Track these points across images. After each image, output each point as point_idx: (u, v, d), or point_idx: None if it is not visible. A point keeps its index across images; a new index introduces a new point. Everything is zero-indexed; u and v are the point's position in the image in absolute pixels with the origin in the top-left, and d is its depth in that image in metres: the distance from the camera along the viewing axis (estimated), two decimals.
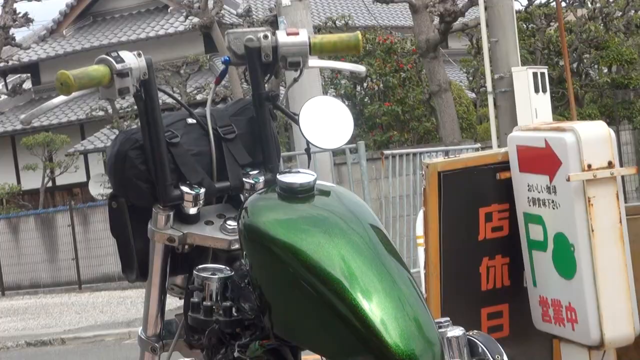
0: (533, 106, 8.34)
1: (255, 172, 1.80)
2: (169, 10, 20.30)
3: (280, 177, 1.60)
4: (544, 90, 8.62)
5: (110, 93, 1.66)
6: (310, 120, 1.74)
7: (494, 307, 2.98)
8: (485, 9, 9.61)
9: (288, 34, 1.83)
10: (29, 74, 22.60)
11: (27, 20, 17.50)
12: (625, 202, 3.52)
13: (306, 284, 1.48)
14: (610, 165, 2.67)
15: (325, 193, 1.64)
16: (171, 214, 1.77)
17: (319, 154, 7.66)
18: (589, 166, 2.63)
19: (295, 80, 1.93)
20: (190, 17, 17.01)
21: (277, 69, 1.84)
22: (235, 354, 1.66)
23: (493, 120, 9.69)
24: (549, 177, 2.72)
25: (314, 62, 1.98)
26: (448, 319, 1.51)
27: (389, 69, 15.80)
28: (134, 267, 1.89)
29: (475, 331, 1.61)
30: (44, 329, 11.48)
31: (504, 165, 2.91)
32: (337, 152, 9.38)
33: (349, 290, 1.42)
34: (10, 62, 19.79)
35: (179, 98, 2.22)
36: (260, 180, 1.77)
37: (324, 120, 1.77)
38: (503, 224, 2.98)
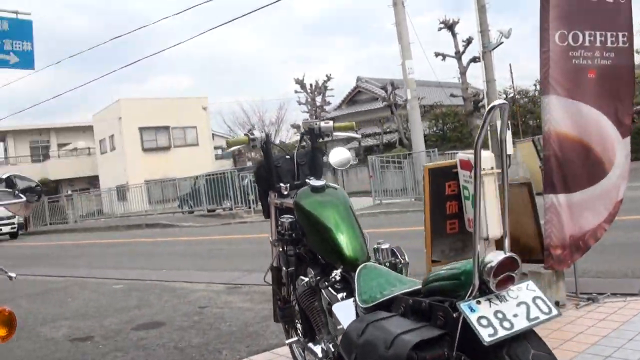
0: None
1: (311, 178, 2.62)
2: None
3: (310, 182, 2.50)
4: None
5: (250, 147, 2.82)
6: (333, 156, 2.71)
7: (452, 220, 4.72)
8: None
9: (325, 123, 2.87)
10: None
11: (328, 103, 34.76)
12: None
13: (317, 226, 2.33)
14: (492, 168, 4.00)
15: (329, 189, 2.48)
16: (276, 194, 2.78)
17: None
18: (484, 168, 3.90)
19: (329, 140, 3.16)
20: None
21: (322, 135, 2.85)
22: (297, 250, 2.60)
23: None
24: (469, 172, 4.16)
25: (335, 133, 2.91)
26: (383, 240, 2.30)
27: None
28: (265, 212, 2.99)
29: (395, 245, 2.34)
30: None
31: (455, 167, 4.37)
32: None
33: (334, 230, 2.25)
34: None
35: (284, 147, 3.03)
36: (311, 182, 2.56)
37: (339, 157, 2.73)
38: (455, 188, 4.47)
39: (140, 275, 8.27)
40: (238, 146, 2.87)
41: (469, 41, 24.76)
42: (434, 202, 5.11)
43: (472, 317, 1.46)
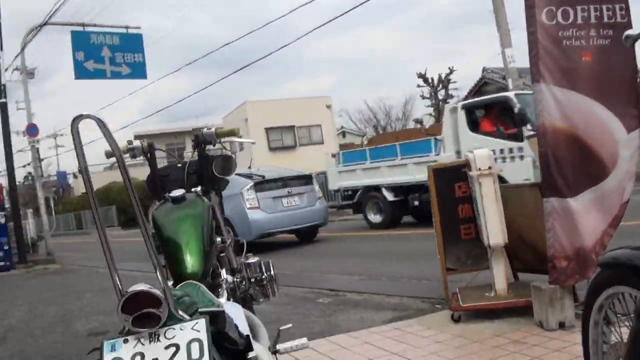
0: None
1: (199, 187, 2.53)
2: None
3: (169, 194, 2.37)
4: None
5: (129, 156, 2.62)
6: (216, 164, 2.66)
7: (467, 224, 4.70)
8: None
9: (207, 129, 2.72)
10: None
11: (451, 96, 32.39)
12: None
13: (162, 240, 2.23)
14: (490, 168, 4.06)
15: (191, 199, 2.38)
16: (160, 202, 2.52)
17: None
18: (480, 168, 4.09)
19: (213, 146, 2.80)
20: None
21: (206, 143, 2.71)
22: None
23: None
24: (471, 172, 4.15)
25: (223, 139, 2.77)
26: (252, 254, 2.44)
27: None
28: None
29: (257, 258, 2.42)
30: None
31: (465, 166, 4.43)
32: None
33: (173, 244, 2.17)
34: None
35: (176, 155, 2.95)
36: (199, 190, 2.50)
37: (220, 164, 2.67)
38: (466, 190, 4.58)
39: None
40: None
41: None
42: (443, 206, 4.88)
43: (107, 358, 1.32)
